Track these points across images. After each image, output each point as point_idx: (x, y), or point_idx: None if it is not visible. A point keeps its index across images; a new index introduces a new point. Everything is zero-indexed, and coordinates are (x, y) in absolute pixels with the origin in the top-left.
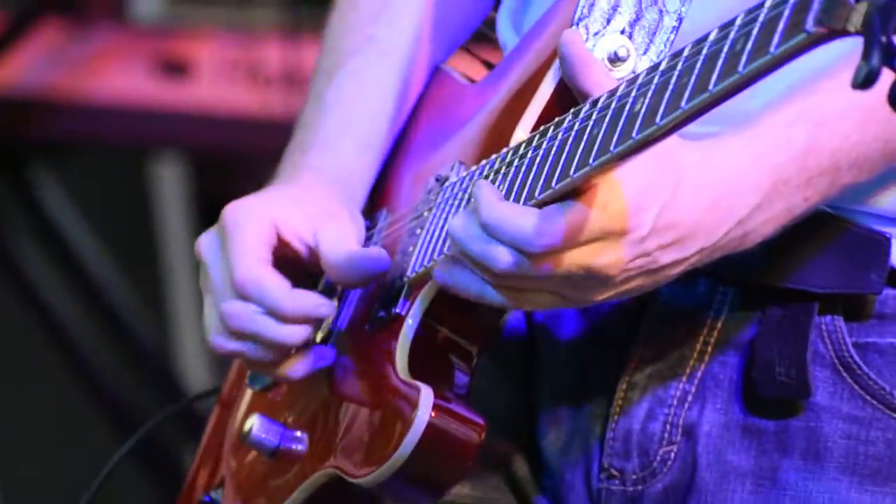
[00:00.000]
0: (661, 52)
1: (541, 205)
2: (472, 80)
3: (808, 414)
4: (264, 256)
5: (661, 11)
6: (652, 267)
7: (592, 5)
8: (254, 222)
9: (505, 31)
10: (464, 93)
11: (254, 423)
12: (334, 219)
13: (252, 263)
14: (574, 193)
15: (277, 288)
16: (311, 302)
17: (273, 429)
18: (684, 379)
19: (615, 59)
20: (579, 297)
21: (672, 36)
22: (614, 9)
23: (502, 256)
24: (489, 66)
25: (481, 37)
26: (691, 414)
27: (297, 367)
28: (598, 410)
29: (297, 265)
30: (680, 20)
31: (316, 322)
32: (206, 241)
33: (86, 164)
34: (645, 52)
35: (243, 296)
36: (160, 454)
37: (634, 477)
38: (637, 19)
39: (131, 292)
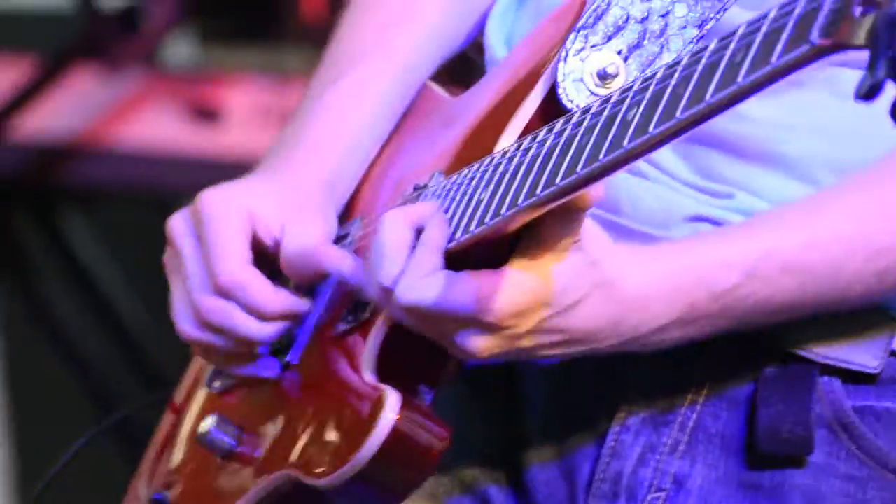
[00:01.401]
0: None
1: (524, 210)
2: (452, 95)
3: (805, 472)
4: (247, 256)
5: (662, 46)
6: (525, 353)
7: (598, 18)
8: (232, 216)
9: (496, 46)
10: (445, 106)
11: (211, 424)
12: (306, 216)
13: (237, 267)
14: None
15: (261, 290)
16: (293, 303)
17: (230, 430)
18: (676, 427)
19: (604, 76)
20: (439, 343)
21: None
22: (618, 29)
23: (376, 284)
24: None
25: (462, 61)
26: (683, 464)
27: (256, 367)
28: (588, 448)
29: (267, 257)
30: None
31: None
32: (180, 225)
33: (117, 210)
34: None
35: (226, 296)
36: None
37: None
38: (637, 46)
39: (160, 336)
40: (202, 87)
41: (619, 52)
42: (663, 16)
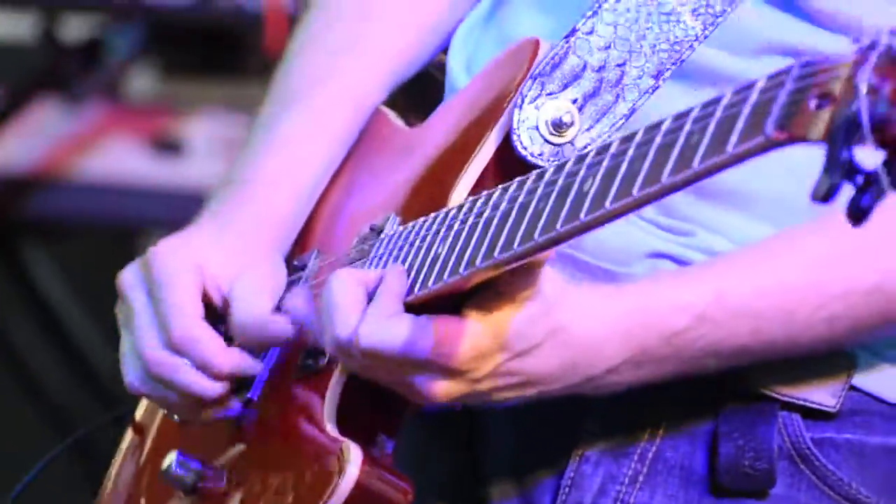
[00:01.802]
0: (605, 134)
1: (482, 270)
2: (408, 124)
3: (767, 503)
4: (200, 312)
5: (617, 96)
6: (483, 396)
7: (555, 66)
8: (184, 272)
9: (456, 70)
10: (401, 136)
11: (172, 460)
12: (254, 268)
13: (190, 322)
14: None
15: (214, 348)
16: (244, 363)
17: (191, 466)
18: (635, 458)
19: (559, 125)
20: (399, 390)
21: (620, 122)
22: (576, 77)
23: (334, 328)
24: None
25: (422, 77)
26: (642, 495)
27: (209, 415)
28: (549, 480)
29: (215, 312)
30: (632, 111)
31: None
32: (130, 279)
33: (79, 241)
34: (589, 129)
35: (179, 352)
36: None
37: None
38: (593, 95)
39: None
40: (165, 120)
41: (575, 101)
42: (620, 65)
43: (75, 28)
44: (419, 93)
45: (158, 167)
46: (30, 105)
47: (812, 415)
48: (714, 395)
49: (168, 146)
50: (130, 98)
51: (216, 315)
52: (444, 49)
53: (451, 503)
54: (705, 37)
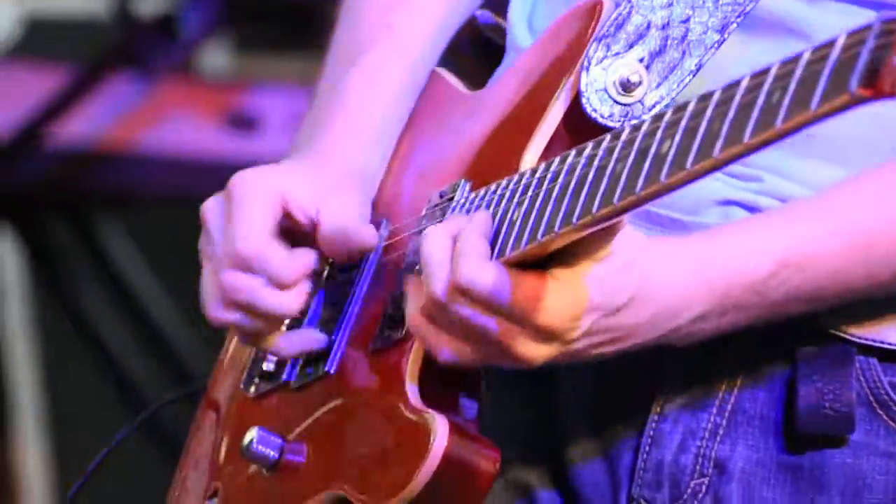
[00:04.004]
0: (673, 91)
1: (561, 236)
2: (469, 87)
3: (845, 451)
4: (268, 229)
5: (684, 52)
6: (578, 355)
7: (619, 27)
8: (262, 195)
9: (518, 26)
10: (464, 100)
11: (253, 436)
12: (342, 194)
13: (255, 236)
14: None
15: (277, 256)
16: (307, 259)
17: (273, 441)
18: (714, 411)
19: (627, 85)
20: (493, 360)
21: (688, 78)
22: (640, 37)
23: (437, 276)
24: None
25: (482, 42)
26: (723, 448)
27: (292, 342)
28: (629, 438)
29: (302, 239)
30: (699, 67)
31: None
32: (212, 208)
33: (151, 216)
34: (657, 87)
35: (245, 268)
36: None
37: None
38: (659, 53)
39: (192, 339)
40: (238, 95)
41: (641, 60)
42: (684, 21)
43: (150, 3)
44: (480, 56)
45: (232, 142)
46: (104, 80)
47: (889, 358)
48: (789, 341)
49: (242, 122)
50: (204, 73)
51: (307, 242)
52: (499, 10)
53: (532, 466)
54: None
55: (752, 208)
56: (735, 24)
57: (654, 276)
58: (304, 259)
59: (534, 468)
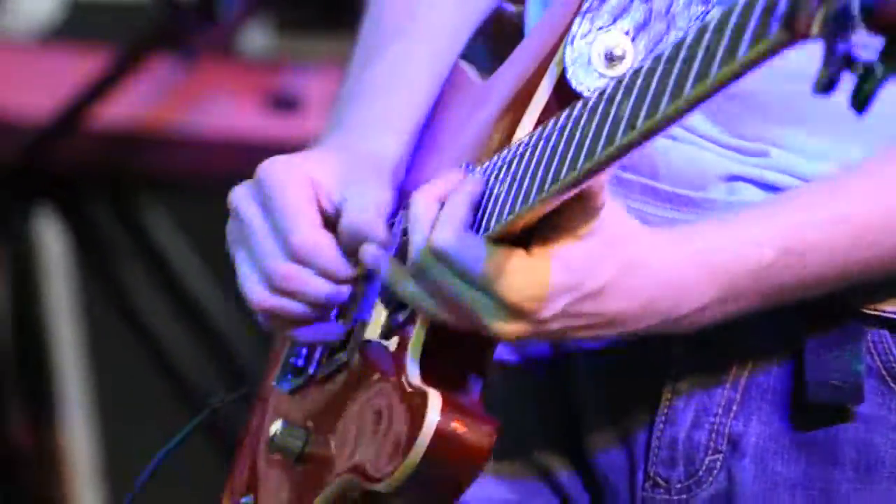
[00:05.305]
0: None
1: (533, 208)
2: (482, 77)
3: (858, 425)
4: (318, 220)
5: (668, 25)
6: (555, 336)
7: (603, 1)
8: (296, 182)
9: (533, 11)
10: (476, 90)
11: (277, 429)
12: (366, 184)
13: (309, 228)
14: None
15: (333, 252)
16: (360, 254)
17: (296, 432)
18: (728, 386)
19: (611, 58)
20: (470, 329)
21: None
22: (625, 10)
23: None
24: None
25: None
26: (737, 424)
27: (317, 332)
28: (643, 417)
29: (328, 224)
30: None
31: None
32: (243, 194)
33: (194, 197)
34: (644, 59)
35: (300, 260)
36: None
37: (679, 486)
38: (644, 26)
39: (239, 324)
40: (279, 76)
41: (627, 33)
42: None
43: None
44: (508, 47)
45: (273, 123)
46: (146, 62)
47: None
48: (802, 315)
49: (283, 102)
50: (245, 54)
51: (330, 228)
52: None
53: (552, 449)
54: None
55: (758, 183)
56: None
57: (648, 260)
58: (359, 254)
59: (554, 452)
